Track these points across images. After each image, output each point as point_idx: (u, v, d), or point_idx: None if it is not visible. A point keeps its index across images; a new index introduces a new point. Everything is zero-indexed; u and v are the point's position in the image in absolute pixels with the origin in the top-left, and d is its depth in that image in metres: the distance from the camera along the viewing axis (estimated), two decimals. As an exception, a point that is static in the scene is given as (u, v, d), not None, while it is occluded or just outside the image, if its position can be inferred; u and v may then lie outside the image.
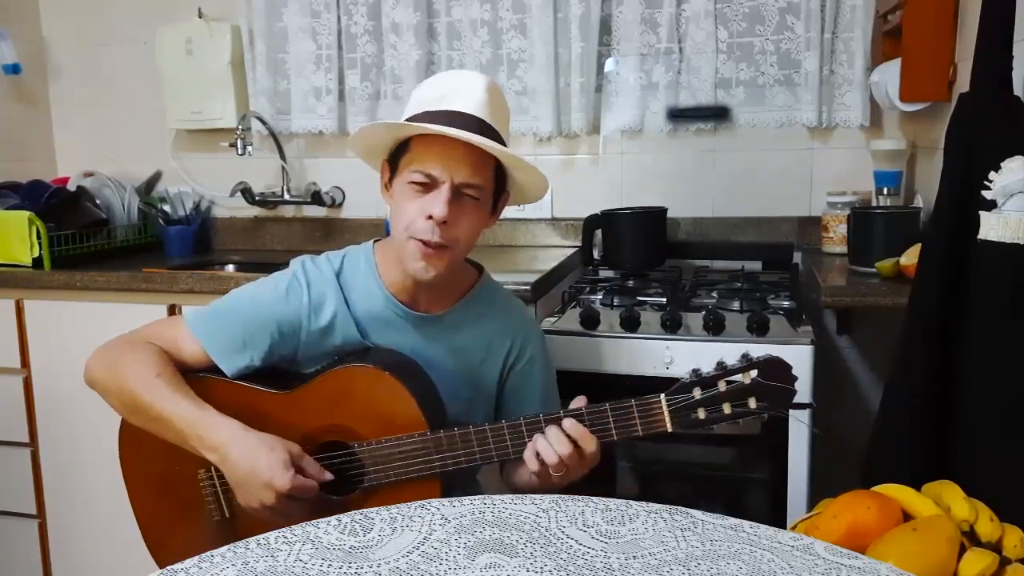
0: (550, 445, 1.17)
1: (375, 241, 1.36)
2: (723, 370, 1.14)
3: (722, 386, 1.13)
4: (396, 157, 1.25)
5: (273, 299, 1.29)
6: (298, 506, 1.19)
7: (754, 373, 1.12)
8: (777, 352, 1.16)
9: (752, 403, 1.13)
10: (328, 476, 1.22)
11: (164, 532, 1.33)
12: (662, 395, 1.15)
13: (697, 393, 1.14)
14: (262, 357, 1.28)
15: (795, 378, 1.14)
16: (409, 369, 1.26)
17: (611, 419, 1.17)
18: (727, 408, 1.14)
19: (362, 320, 1.30)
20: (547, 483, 1.22)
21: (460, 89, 1.23)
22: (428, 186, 1.20)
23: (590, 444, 1.17)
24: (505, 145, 1.24)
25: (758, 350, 1.18)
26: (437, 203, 1.19)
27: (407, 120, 1.23)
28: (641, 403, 1.16)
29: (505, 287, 1.48)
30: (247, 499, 1.20)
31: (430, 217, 1.19)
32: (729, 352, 1.17)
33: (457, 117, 1.20)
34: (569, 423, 1.17)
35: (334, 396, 1.25)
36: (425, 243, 1.21)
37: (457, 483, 1.34)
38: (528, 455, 1.19)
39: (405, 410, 1.21)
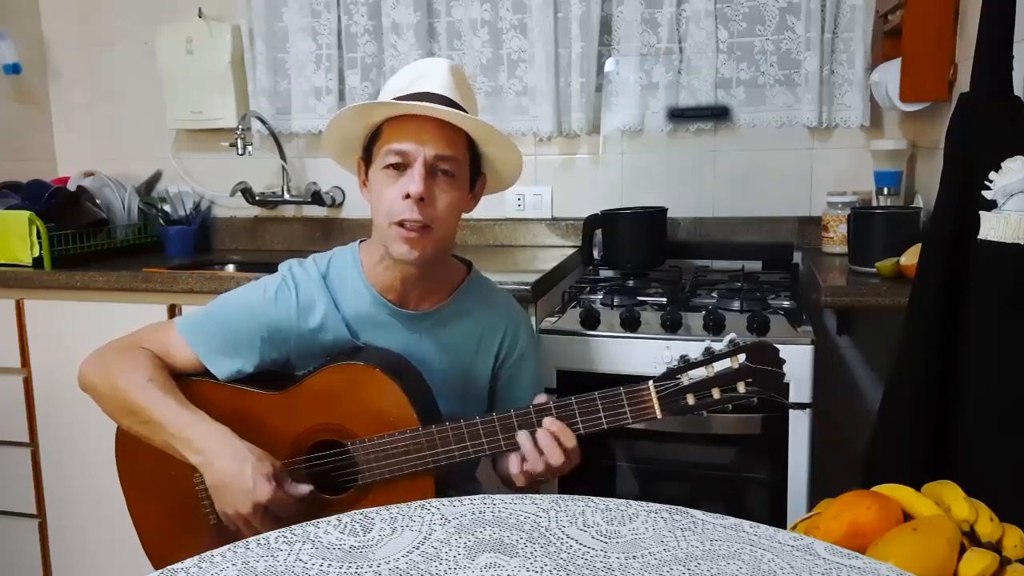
0: (535, 450, 1.17)
1: (361, 241, 1.36)
2: (711, 355, 1.14)
3: (710, 371, 1.13)
4: (369, 149, 1.26)
5: (262, 303, 1.30)
6: (274, 519, 1.19)
7: (742, 357, 1.13)
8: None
9: (741, 387, 1.13)
10: (307, 489, 1.22)
11: (161, 536, 1.33)
12: (650, 382, 1.16)
13: (685, 379, 1.14)
14: (253, 361, 1.29)
15: (783, 361, 1.14)
16: (400, 366, 1.26)
17: (601, 408, 1.18)
18: (716, 393, 1.14)
19: (351, 320, 1.30)
20: (530, 483, 1.22)
21: (425, 74, 1.25)
22: (402, 168, 1.21)
23: (570, 440, 1.18)
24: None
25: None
26: (413, 181, 1.19)
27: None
28: (630, 391, 1.16)
29: (499, 284, 1.48)
30: (223, 505, 1.21)
31: (407, 197, 1.19)
32: (721, 344, 1.17)
33: (425, 97, 1.22)
34: (549, 420, 1.18)
35: (326, 395, 1.25)
36: (406, 227, 1.21)
37: (454, 480, 1.34)
38: (514, 462, 1.20)
39: (397, 407, 1.22)
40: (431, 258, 1.25)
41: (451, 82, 1.25)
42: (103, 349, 1.31)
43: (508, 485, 1.31)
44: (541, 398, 1.23)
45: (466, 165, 1.26)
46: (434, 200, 1.21)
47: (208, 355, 1.28)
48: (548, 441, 1.18)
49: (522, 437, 1.19)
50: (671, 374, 1.15)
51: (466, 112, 1.24)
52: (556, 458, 1.17)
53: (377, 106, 1.23)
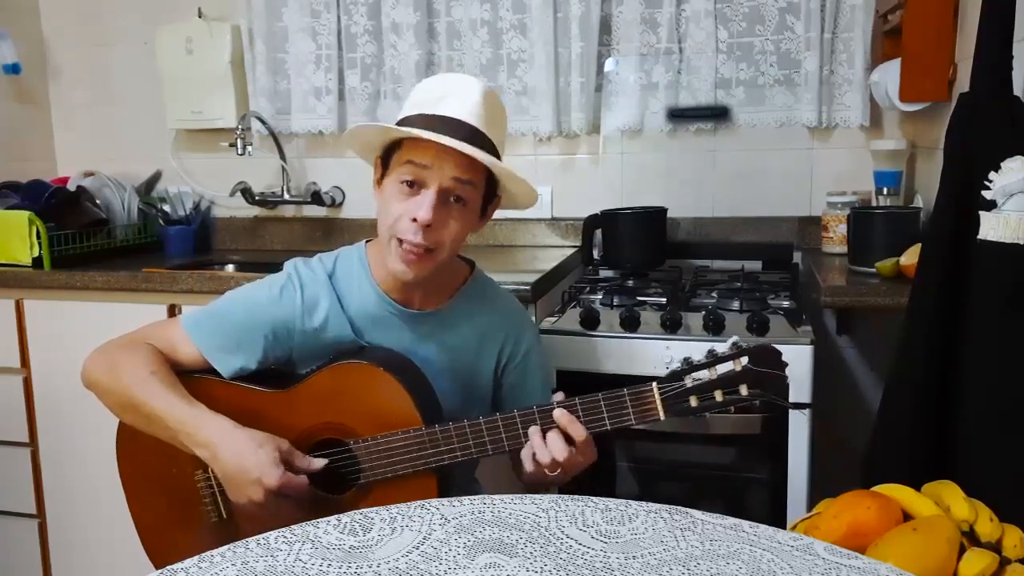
0: (544, 445, 1.17)
1: (367, 241, 1.36)
2: (714, 358, 1.14)
3: (713, 374, 1.14)
4: (389, 155, 1.26)
5: (267, 301, 1.30)
6: (289, 503, 1.19)
7: (745, 360, 1.13)
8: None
9: (744, 390, 1.13)
10: (320, 464, 1.22)
11: (161, 534, 1.33)
12: (654, 383, 1.16)
13: (689, 381, 1.14)
14: (257, 359, 1.29)
15: (786, 364, 1.15)
16: (403, 365, 1.26)
17: (604, 409, 1.18)
18: (719, 395, 1.14)
19: (356, 320, 1.30)
20: (545, 480, 1.22)
21: (455, 93, 1.22)
22: (416, 187, 1.20)
23: (579, 432, 1.17)
24: (499, 151, 1.24)
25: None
26: (422, 206, 1.18)
27: (402, 119, 1.24)
28: (633, 392, 1.17)
29: (499, 284, 1.48)
30: (237, 495, 1.21)
31: (415, 219, 1.19)
32: (723, 347, 1.17)
33: (450, 123, 1.19)
34: (559, 412, 1.18)
35: (329, 394, 1.25)
36: (408, 247, 1.20)
37: (455, 480, 1.34)
38: (525, 455, 1.21)
39: (400, 406, 1.22)
40: (428, 278, 1.25)
41: (480, 108, 1.21)
42: (107, 345, 1.32)
43: (528, 486, 1.31)
44: (558, 396, 1.22)
45: (481, 189, 1.25)
46: (442, 226, 1.21)
47: (212, 352, 1.29)
48: (554, 434, 1.18)
49: (532, 431, 1.19)
50: (674, 376, 1.15)
51: (490, 140, 1.22)
52: (560, 452, 1.16)
53: (397, 131, 1.21)
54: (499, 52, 2.33)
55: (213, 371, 1.29)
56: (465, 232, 1.26)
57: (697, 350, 1.16)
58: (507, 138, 2.29)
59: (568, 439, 1.18)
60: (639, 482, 1.75)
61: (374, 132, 1.24)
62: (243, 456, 1.18)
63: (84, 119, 2.72)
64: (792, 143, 2.18)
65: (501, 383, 1.40)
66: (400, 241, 1.21)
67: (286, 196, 2.53)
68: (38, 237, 2.13)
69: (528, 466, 1.21)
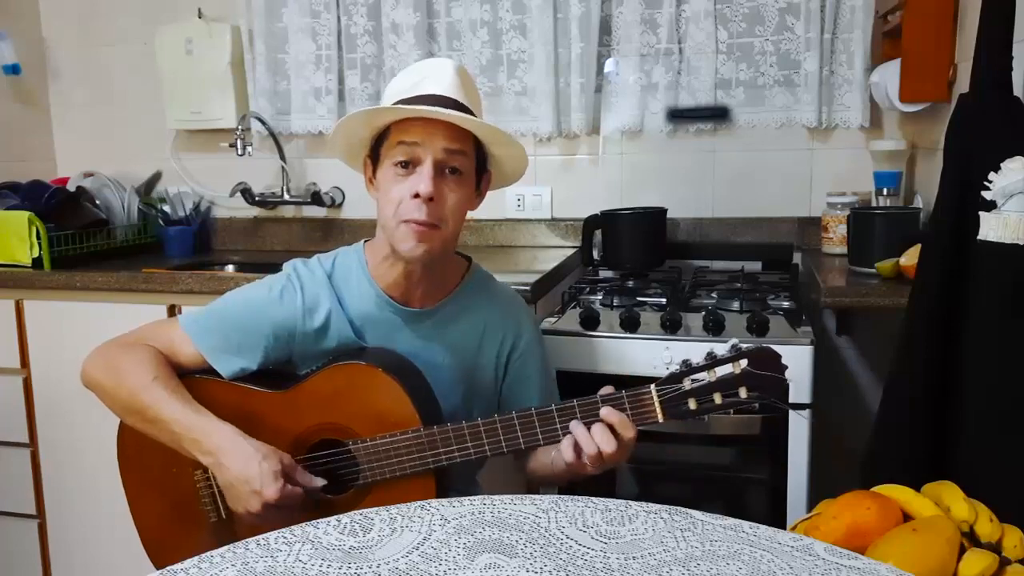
0: (591, 438, 1.15)
1: (365, 241, 1.37)
2: (713, 360, 1.14)
3: (712, 376, 1.13)
4: (376, 150, 1.27)
5: (267, 302, 1.30)
6: (286, 514, 1.19)
7: (744, 363, 1.12)
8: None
9: (743, 393, 1.13)
10: (320, 483, 1.24)
11: (161, 533, 1.34)
12: (652, 386, 1.16)
13: (688, 383, 1.14)
14: (257, 360, 1.29)
15: (785, 367, 1.14)
16: (402, 366, 1.27)
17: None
18: (718, 398, 1.14)
19: (356, 320, 1.31)
20: (581, 472, 1.19)
21: (430, 75, 1.26)
22: (411, 167, 1.22)
23: (629, 431, 1.16)
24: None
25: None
26: (422, 180, 1.20)
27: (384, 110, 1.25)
28: (632, 394, 1.16)
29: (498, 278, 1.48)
30: (235, 503, 1.22)
31: (416, 196, 1.20)
32: (724, 349, 1.17)
33: (431, 99, 1.22)
34: (607, 411, 1.16)
35: (328, 395, 1.26)
36: (416, 223, 1.21)
37: (455, 482, 1.34)
38: (565, 447, 1.18)
39: (399, 407, 1.22)
40: (438, 255, 1.26)
41: (457, 83, 1.25)
42: (107, 345, 1.32)
43: (544, 479, 1.29)
44: (608, 389, 1.19)
45: (473, 161, 1.27)
46: (443, 200, 1.22)
47: (212, 353, 1.29)
48: (600, 429, 1.15)
49: (576, 426, 1.17)
50: (673, 378, 1.15)
51: (472, 113, 1.25)
52: (609, 445, 1.14)
53: (384, 111, 1.23)
54: (499, 53, 2.33)
55: (213, 371, 1.29)
56: (465, 206, 1.27)
57: (697, 351, 1.16)
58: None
59: (614, 432, 1.16)
60: (639, 483, 1.74)
61: (362, 121, 1.25)
62: (246, 466, 1.18)
63: (84, 119, 2.72)
64: (792, 143, 2.18)
65: (505, 378, 1.39)
66: (406, 222, 1.22)
67: (286, 196, 2.53)
68: (38, 237, 2.13)
69: (569, 456, 1.17)
